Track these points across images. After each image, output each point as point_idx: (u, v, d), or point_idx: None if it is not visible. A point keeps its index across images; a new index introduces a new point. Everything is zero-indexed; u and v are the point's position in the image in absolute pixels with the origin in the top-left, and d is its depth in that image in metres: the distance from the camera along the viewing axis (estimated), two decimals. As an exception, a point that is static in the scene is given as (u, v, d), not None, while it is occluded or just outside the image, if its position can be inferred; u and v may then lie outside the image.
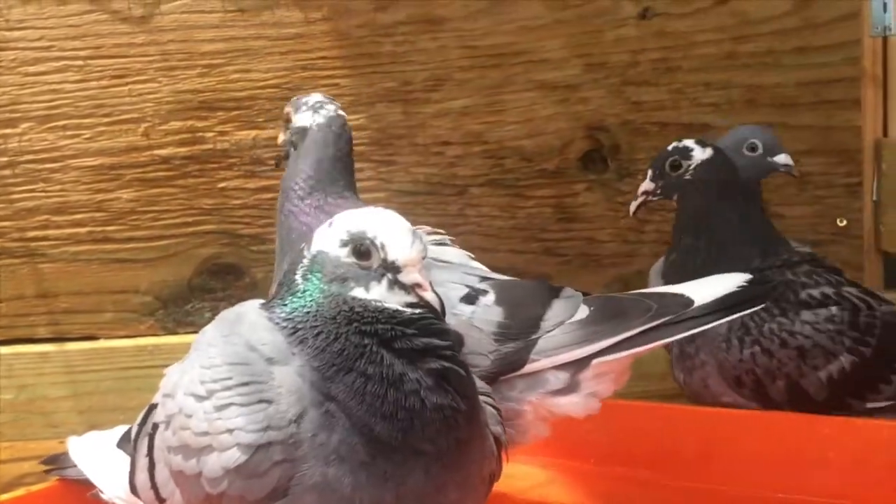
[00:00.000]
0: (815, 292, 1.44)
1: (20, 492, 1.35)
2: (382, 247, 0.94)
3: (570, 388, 1.20)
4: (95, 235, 1.81)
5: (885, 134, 1.88)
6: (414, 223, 1.80)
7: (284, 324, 0.96)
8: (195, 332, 1.82)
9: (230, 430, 0.92)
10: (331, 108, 1.43)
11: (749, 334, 1.41)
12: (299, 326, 0.95)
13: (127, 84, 1.80)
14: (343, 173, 1.41)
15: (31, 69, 1.80)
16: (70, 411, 1.72)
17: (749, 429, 1.38)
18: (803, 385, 1.40)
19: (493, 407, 1.04)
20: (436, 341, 0.94)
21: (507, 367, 1.18)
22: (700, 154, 1.49)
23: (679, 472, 1.39)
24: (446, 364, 0.93)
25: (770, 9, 1.88)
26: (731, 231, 1.47)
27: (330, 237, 0.97)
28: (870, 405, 1.42)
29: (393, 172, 1.87)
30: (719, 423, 1.41)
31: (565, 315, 1.20)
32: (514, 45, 1.86)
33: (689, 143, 1.50)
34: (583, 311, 1.21)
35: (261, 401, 0.92)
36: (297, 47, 1.83)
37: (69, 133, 1.80)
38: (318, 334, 0.94)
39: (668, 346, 1.44)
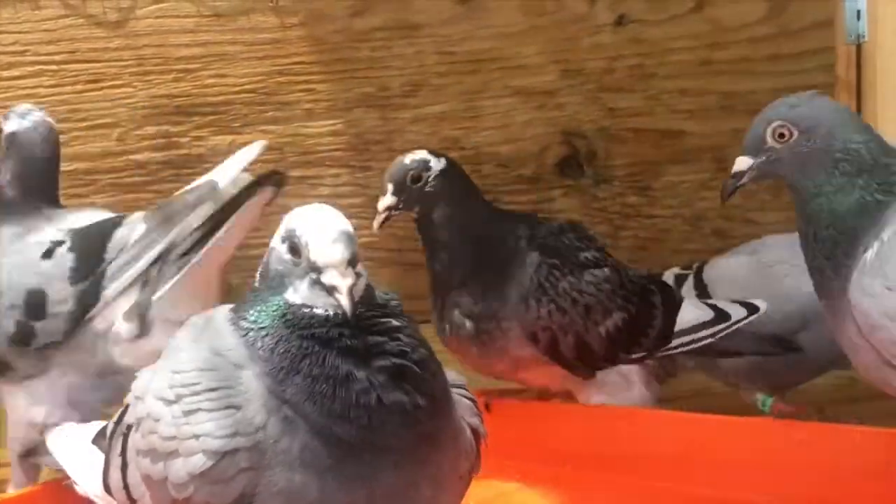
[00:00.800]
0: (589, 255, 1.54)
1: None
2: (306, 245, 0.93)
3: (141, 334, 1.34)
4: (70, 241, 1.80)
5: (859, 141, 1.89)
6: (391, 228, 1.81)
7: (243, 331, 0.95)
8: (172, 338, 1.83)
9: (197, 436, 0.91)
10: (38, 115, 1.49)
11: (546, 294, 1.50)
12: (251, 328, 0.95)
13: (102, 89, 1.80)
14: (48, 174, 1.49)
15: (5, 73, 1.79)
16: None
17: (724, 433, 1.39)
18: (587, 340, 1.52)
19: (469, 399, 1.04)
20: (382, 339, 0.92)
21: (89, 302, 1.35)
22: (437, 165, 1.51)
23: (655, 475, 1.39)
24: (397, 361, 0.92)
25: (744, 16, 1.89)
26: (485, 223, 1.54)
27: (279, 233, 0.97)
28: (633, 356, 1.56)
29: (370, 178, 1.86)
30: (694, 428, 1.41)
31: (126, 240, 1.36)
32: (490, 51, 1.87)
33: (424, 154, 1.52)
34: (140, 229, 1.37)
35: (228, 406, 0.92)
36: (273, 52, 1.83)
37: (44, 138, 1.79)
38: (265, 336, 0.93)
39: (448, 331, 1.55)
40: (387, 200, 1.50)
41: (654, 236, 1.90)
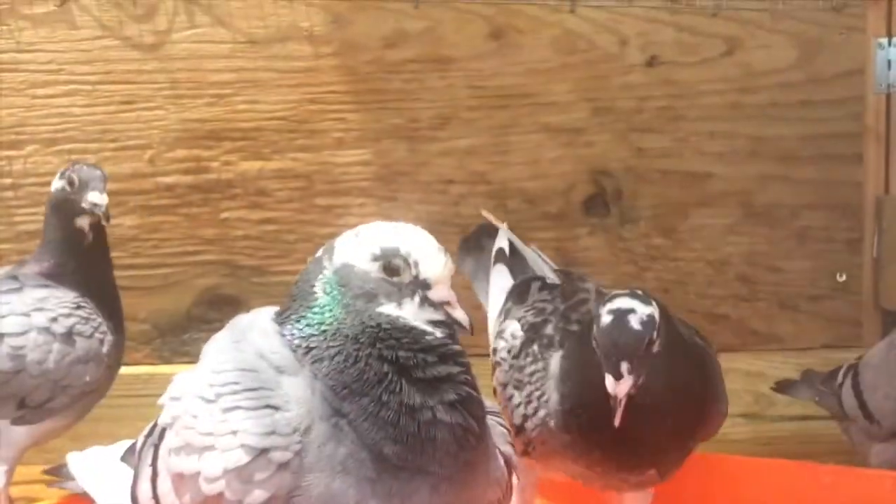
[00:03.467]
0: None
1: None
2: (416, 264, 0.94)
3: None
4: (95, 260, 1.81)
5: (887, 191, 1.89)
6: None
7: (297, 342, 0.95)
8: (191, 362, 1.82)
9: (234, 432, 0.91)
10: None
11: None
12: (313, 345, 0.94)
13: (135, 110, 1.81)
14: None
15: (40, 91, 1.80)
16: (62, 438, 1.70)
17: (748, 474, 1.38)
18: None
19: (503, 426, 1.03)
20: (454, 369, 0.93)
21: None
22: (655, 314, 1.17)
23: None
24: (463, 392, 0.92)
25: (775, 62, 1.89)
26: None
27: (359, 251, 0.96)
28: None
29: (395, 209, 1.86)
30: (717, 468, 1.40)
31: None
32: (521, 87, 1.87)
33: (647, 307, 1.17)
34: None
35: (267, 406, 0.91)
36: (305, 81, 1.84)
37: (74, 157, 1.80)
38: (336, 354, 0.93)
39: None
40: (626, 383, 1.13)
41: (678, 279, 1.90)
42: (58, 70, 1.80)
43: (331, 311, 0.95)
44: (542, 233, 1.88)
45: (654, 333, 1.14)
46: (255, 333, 0.98)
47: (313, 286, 0.97)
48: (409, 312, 0.94)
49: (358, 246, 0.96)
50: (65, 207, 1.49)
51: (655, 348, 1.15)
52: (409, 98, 1.86)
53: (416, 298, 0.94)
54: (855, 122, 1.89)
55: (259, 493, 0.90)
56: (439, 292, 0.94)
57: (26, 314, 1.44)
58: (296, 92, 1.84)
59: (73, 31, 1.79)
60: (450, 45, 1.86)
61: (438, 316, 0.94)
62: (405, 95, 1.86)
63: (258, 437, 0.90)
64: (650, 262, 1.89)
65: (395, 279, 0.94)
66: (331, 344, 0.94)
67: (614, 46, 1.87)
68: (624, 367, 1.12)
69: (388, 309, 0.94)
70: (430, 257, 0.94)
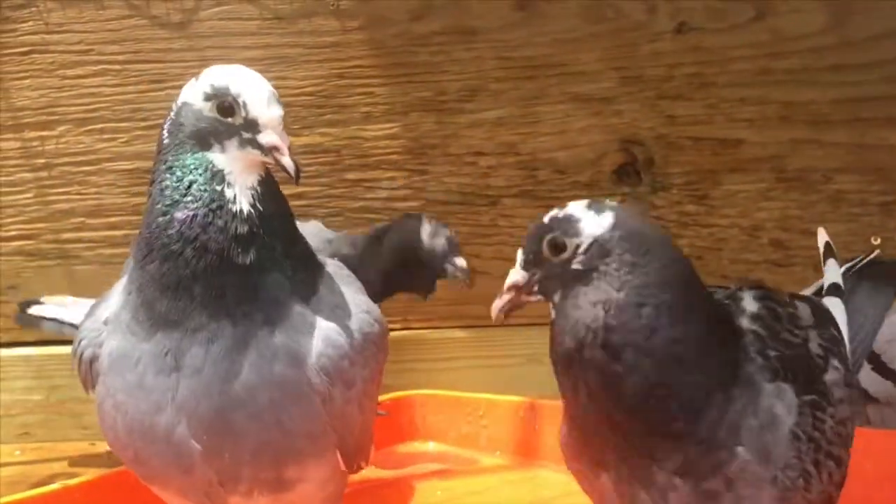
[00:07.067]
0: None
1: (55, 486, 1.38)
2: (244, 105, 0.95)
3: None
4: (130, 238, 1.81)
5: (921, 153, 1.87)
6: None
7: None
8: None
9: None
10: None
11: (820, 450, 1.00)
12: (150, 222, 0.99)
13: (164, 89, 1.82)
14: None
15: (70, 72, 1.82)
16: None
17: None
18: None
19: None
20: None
21: None
22: (593, 227, 0.90)
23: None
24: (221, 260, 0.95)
25: (806, 26, 1.86)
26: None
27: (195, 90, 0.99)
28: None
29: (426, 182, 1.87)
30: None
31: None
32: (549, 57, 1.86)
33: (574, 209, 0.91)
34: None
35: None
36: (333, 56, 1.84)
37: (106, 136, 1.82)
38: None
39: None
40: (513, 276, 0.93)
41: (712, 246, 1.89)
42: (87, 50, 1.82)
43: (174, 152, 0.99)
44: (572, 203, 1.87)
45: (561, 235, 0.89)
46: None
47: (162, 131, 1.01)
48: (230, 156, 0.95)
49: (195, 86, 0.99)
50: None
51: (577, 265, 0.89)
52: (437, 70, 1.86)
53: (235, 140, 0.95)
54: (888, 84, 1.86)
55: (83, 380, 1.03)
56: (268, 136, 0.94)
57: None
58: (323, 67, 1.84)
59: (101, 10, 1.81)
60: (476, 16, 1.85)
61: (265, 158, 0.95)
62: (432, 68, 1.86)
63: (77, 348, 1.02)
64: (683, 230, 1.88)
65: (229, 120, 0.95)
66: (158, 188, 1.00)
67: (642, 14, 1.85)
68: (519, 255, 0.92)
69: (212, 156, 0.96)
70: (260, 99, 0.95)
